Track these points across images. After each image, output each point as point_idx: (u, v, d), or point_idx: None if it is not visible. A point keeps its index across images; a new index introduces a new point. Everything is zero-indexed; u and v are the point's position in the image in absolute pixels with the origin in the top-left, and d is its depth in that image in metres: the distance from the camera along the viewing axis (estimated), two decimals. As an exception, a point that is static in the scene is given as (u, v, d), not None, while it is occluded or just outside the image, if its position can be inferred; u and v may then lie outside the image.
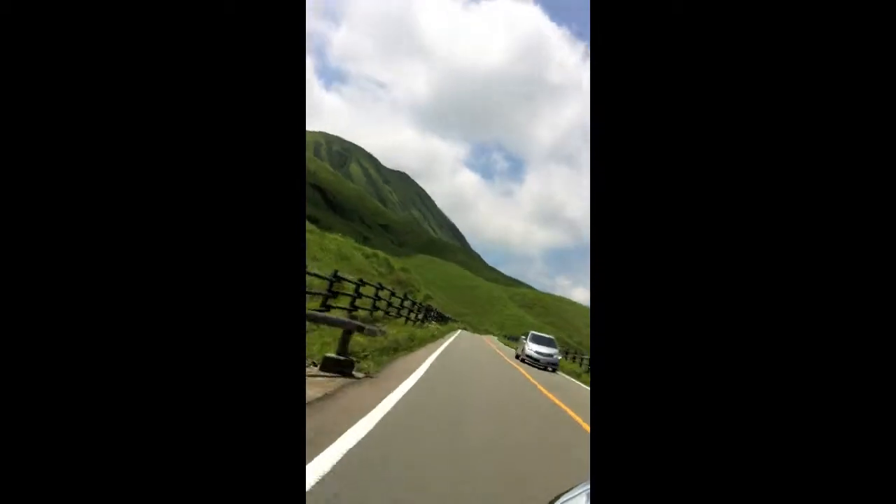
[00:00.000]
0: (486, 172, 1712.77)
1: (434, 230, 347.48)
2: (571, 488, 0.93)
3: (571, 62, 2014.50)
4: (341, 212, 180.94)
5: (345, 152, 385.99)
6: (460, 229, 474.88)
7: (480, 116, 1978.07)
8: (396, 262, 51.53)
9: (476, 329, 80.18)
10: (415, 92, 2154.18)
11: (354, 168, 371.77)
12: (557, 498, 0.90)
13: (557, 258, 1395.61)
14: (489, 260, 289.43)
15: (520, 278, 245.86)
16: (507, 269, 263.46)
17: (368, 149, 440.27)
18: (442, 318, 32.99)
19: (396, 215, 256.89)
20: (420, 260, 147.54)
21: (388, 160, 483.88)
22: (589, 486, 0.88)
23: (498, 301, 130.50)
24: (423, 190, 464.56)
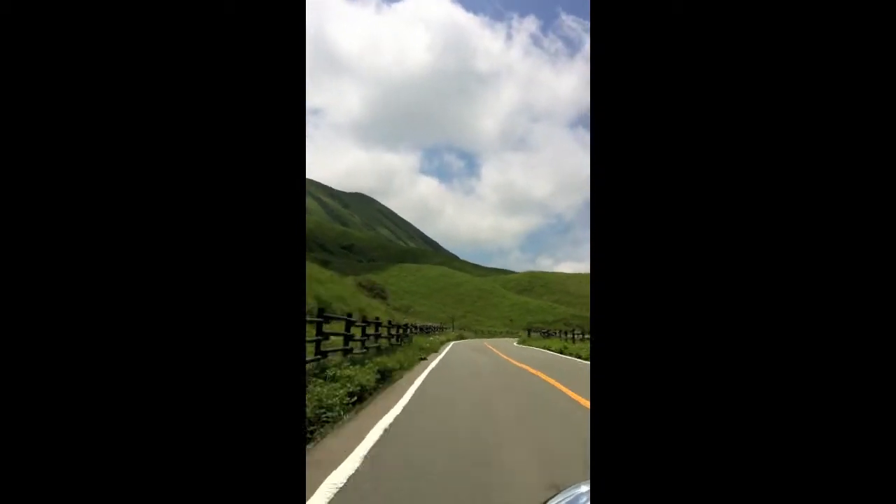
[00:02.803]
0: (444, 175, 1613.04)
1: (405, 243, 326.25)
2: (569, 487, 0.92)
3: (496, 47, 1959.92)
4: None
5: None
6: (432, 237, 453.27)
7: (424, 120, 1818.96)
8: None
9: (478, 333, 58.36)
10: (352, 111, 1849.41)
11: (309, 202, 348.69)
12: (554, 496, 0.88)
13: (533, 241, 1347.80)
14: (467, 259, 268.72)
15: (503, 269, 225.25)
16: (487, 265, 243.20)
17: (319, 179, 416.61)
18: (416, 333, 11.73)
19: (362, 234, 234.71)
20: (393, 271, 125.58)
21: (344, 185, 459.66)
22: (587, 487, 0.88)
23: (492, 293, 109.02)
24: (384, 207, 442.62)
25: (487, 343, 31.71)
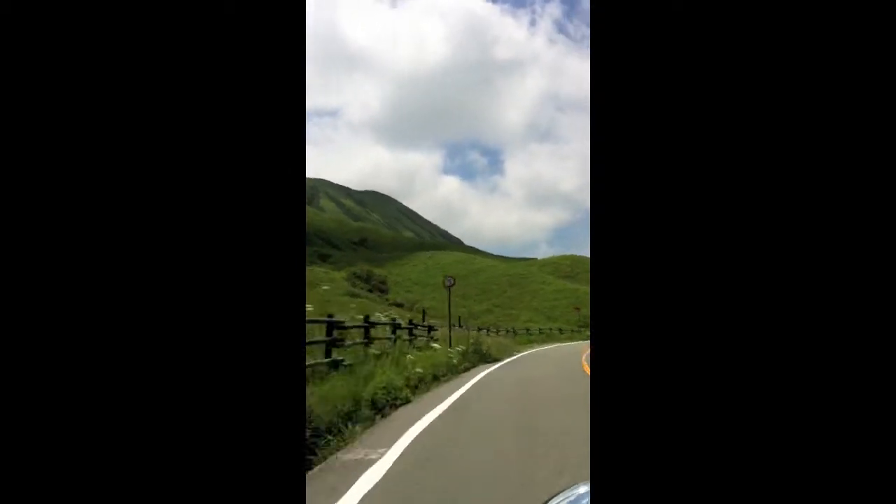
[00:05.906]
0: (467, 173, 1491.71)
1: (425, 240, 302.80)
2: (569, 487, 0.90)
3: (519, 35, 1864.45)
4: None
5: (310, 191, 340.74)
6: (457, 236, 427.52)
7: (445, 115, 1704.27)
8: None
9: (518, 336, 31.10)
10: (370, 109, 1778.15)
11: (325, 202, 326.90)
12: (554, 496, 0.87)
13: (562, 236, 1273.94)
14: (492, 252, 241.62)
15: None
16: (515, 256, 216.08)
17: (337, 181, 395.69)
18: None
19: (378, 229, 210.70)
20: (403, 260, 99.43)
21: (362, 186, 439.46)
22: (587, 487, 0.86)
23: (527, 278, 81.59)
24: (405, 206, 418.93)
25: None
